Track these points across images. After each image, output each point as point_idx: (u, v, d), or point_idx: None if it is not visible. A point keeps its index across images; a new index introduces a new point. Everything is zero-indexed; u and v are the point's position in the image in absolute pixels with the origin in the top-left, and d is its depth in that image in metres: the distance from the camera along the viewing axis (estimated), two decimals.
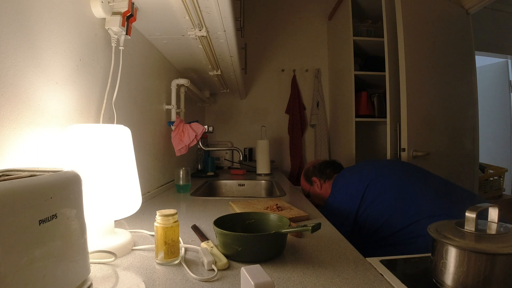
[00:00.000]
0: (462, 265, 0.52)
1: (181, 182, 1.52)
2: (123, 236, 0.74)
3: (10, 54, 0.60)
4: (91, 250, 0.61)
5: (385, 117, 1.89)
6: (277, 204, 1.15)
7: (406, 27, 1.79)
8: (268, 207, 1.13)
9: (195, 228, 0.90)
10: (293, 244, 0.78)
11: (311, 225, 0.67)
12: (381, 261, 0.66)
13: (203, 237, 0.82)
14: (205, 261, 0.63)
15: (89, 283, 0.55)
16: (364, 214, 1.17)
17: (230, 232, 0.68)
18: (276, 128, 2.94)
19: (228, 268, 0.64)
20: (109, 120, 0.97)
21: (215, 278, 0.59)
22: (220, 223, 0.76)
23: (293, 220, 1.00)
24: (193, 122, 1.72)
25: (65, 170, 0.51)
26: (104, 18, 0.94)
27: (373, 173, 1.26)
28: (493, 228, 0.55)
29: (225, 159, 2.76)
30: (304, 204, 1.27)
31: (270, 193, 1.95)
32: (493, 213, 0.58)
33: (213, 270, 0.62)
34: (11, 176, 0.43)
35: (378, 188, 1.19)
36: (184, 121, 1.71)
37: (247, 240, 0.66)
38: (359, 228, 1.19)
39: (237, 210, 1.13)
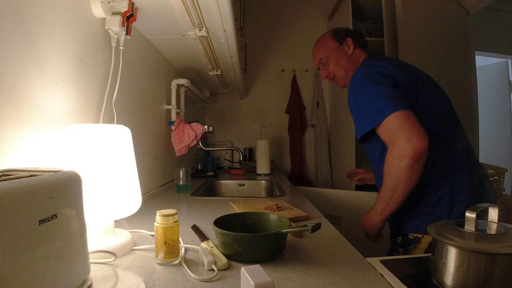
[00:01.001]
0: (462, 265, 0.52)
1: (181, 182, 1.52)
2: (123, 236, 0.74)
3: (10, 54, 0.60)
4: (91, 250, 0.61)
5: None
6: (277, 204, 1.15)
7: (406, 27, 1.79)
8: (268, 207, 1.13)
9: (195, 228, 0.90)
10: (293, 244, 0.78)
11: (311, 225, 0.67)
12: (381, 261, 0.66)
13: (203, 237, 0.82)
14: (205, 261, 0.63)
15: (89, 283, 0.55)
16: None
17: (230, 232, 0.68)
18: (276, 128, 2.94)
19: (228, 268, 0.64)
20: (109, 120, 0.97)
21: (215, 278, 0.59)
22: (220, 223, 0.76)
23: (293, 220, 1.00)
24: (193, 122, 1.72)
25: (65, 170, 0.51)
26: (104, 18, 0.94)
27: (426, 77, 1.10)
28: (493, 228, 0.55)
29: (225, 159, 2.76)
30: (304, 204, 1.27)
31: (270, 193, 1.95)
32: (493, 213, 0.58)
33: (213, 270, 0.62)
34: (11, 176, 0.43)
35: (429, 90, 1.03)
36: (184, 121, 1.71)
37: (247, 240, 0.66)
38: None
39: (237, 210, 1.13)
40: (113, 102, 0.96)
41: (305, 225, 0.68)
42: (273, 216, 0.82)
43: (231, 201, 1.28)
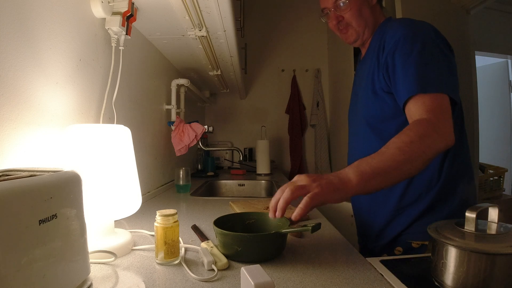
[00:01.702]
0: (462, 265, 0.52)
1: (181, 182, 1.52)
2: (123, 236, 0.74)
3: (10, 54, 0.60)
4: (91, 250, 0.61)
5: None
6: None
7: None
8: (268, 207, 1.13)
9: (195, 228, 0.90)
10: (293, 244, 0.78)
11: (311, 225, 0.67)
12: (381, 261, 0.66)
13: (203, 237, 0.82)
14: (205, 261, 0.63)
15: (89, 283, 0.54)
16: None
17: (230, 232, 0.68)
18: (276, 128, 2.94)
19: (228, 268, 0.64)
20: (109, 120, 0.97)
21: (215, 278, 0.59)
22: (220, 223, 0.76)
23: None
24: (193, 122, 1.72)
25: (65, 170, 0.51)
26: (104, 18, 0.94)
27: None
28: (493, 228, 0.55)
29: (225, 159, 2.76)
30: None
31: (270, 193, 1.95)
32: (493, 213, 0.58)
33: (213, 270, 0.62)
34: (11, 176, 0.43)
35: None
36: (184, 121, 1.71)
37: (247, 240, 0.66)
38: None
39: (237, 210, 1.13)
40: (113, 102, 0.96)
41: (305, 225, 0.68)
42: None
43: (231, 201, 1.28)
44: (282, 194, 0.69)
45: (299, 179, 0.69)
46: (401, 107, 0.82)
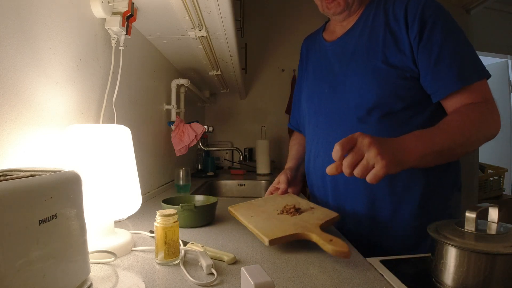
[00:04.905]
0: (462, 265, 0.52)
1: (181, 182, 1.52)
2: (123, 236, 0.74)
3: (10, 54, 0.60)
4: (91, 250, 0.61)
5: None
6: (294, 206, 0.86)
7: None
8: (284, 211, 0.85)
9: None
10: (294, 244, 0.78)
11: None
12: (381, 261, 0.66)
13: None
14: (204, 265, 0.62)
15: (89, 283, 0.54)
16: None
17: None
18: (276, 128, 2.94)
19: (228, 271, 0.64)
20: (109, 120, 0.97)
21: (215, 282, 0.59)
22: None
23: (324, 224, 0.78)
24: (193, 122, 1.72)
25: (65, 170, 0.51)
26: (104, 18, 0.94)
27: None
28: (493, 228, 0.55)
29: (225, 159, 2.76)
30: None
31: None
32: (493, 213, 0.58)
33: (212, 274, 0.62)
34: (11, 176, 0.43)
35: None
36: (184, 121, 1.71)
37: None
38: None
39: (239, 216, 0.88)
40: (113, 102, 0.96)
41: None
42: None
43: (230, 206, 0.97)
44: (349, 159, 0.60)
45: (365, 145, 0.59)
46: (437, 96, 0.75)
